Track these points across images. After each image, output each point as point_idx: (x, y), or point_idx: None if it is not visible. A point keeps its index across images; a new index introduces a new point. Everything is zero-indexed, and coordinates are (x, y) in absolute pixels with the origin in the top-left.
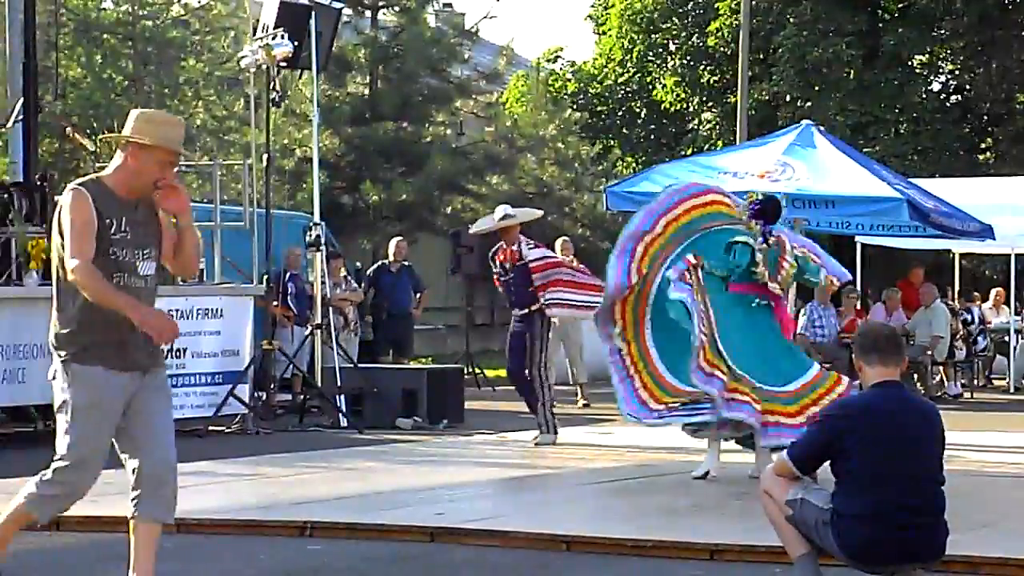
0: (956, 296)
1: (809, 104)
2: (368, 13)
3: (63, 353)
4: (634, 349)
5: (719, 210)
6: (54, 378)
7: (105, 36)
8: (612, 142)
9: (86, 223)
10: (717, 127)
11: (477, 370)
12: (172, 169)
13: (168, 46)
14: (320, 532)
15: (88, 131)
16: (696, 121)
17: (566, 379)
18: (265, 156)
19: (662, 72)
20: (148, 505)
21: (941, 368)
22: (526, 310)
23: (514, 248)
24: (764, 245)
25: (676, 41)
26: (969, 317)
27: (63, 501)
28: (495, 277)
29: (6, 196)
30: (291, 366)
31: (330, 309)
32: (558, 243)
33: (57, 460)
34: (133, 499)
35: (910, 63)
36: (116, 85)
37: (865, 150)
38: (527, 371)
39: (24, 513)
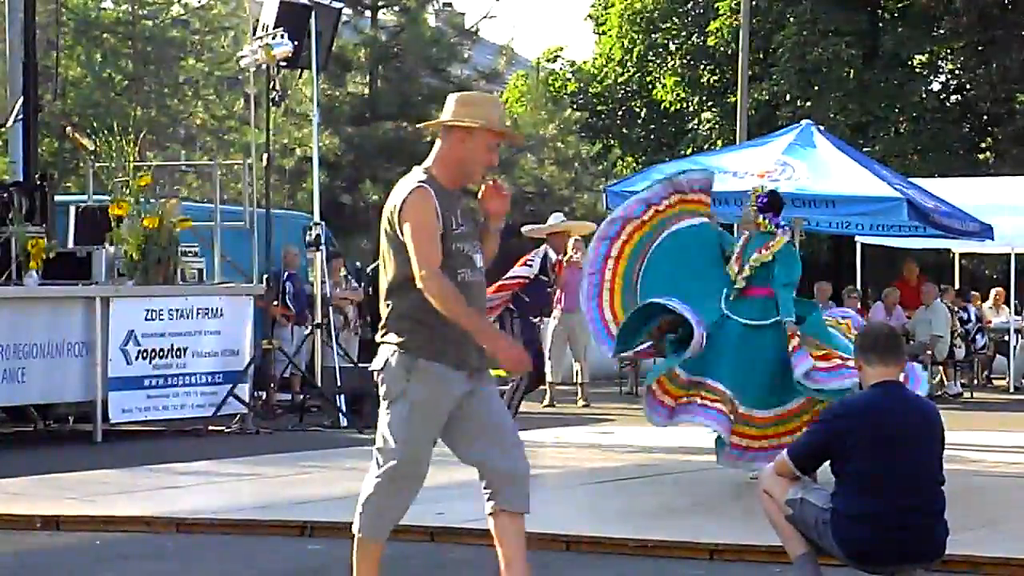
0: (954, 295)
1: (809, 104)
2: (368, 13)
3: (404, 345)
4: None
5: (684, 209)
6: (382, 369)
7: (105, 35)
8: (612, 142)
9: (432, 226)
10: (717, 127)
11: None
12: (497, 152)
13: (168, 45)
14: (320, 532)
15: (88, 130)
16: (696, 121)
17: (569, 378)
18: (265, 156)
19: (662, 72)
20: (508, 496)
21: (941, 367)
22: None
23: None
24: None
25: (676, 41)
26: (966, 316)
27: (395, 508)
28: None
29: (6, 196)
30: (291, 365)
31: (330, 308)
32: (570, 242)
33: (383, 461)
34: (490, 496)
35: (910, 63)
36: (116, 84)
37: (865, 150)
38: None
39: (372, 544)
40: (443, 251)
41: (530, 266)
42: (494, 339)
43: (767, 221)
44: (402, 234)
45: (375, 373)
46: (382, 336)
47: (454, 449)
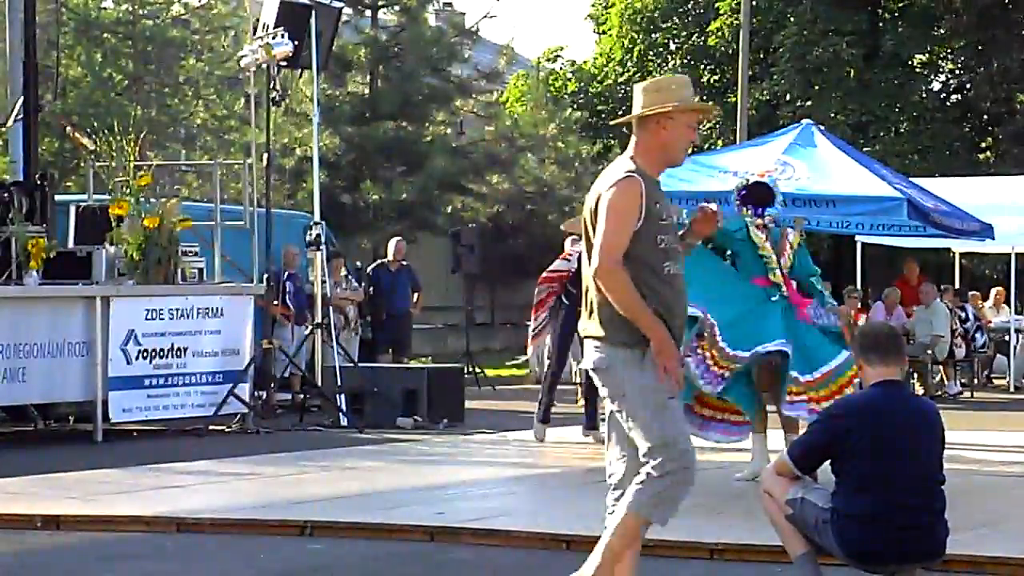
0: (953, 295)
1: (809, 103)
2: (368, 12)
3: (624, 338)
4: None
5: None
6: (606, 370)
7: (105, 35)
8: (612, 141)
9: (631, 218)
10: (717, 126)
11: (477, 369)
12: (697, 129)
13: (168, 45)
14: (320, 531)
15: (88, 130)
16: None
17: (569, 378)
18: (265, 155)
19: (662, 71)
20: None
21: (941, 367)
22: None
23: None
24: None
25: (676, 40)
26: (964, 315)
27: (681, 492)
28: None
29: (6, 195)
30: (291, 365)
31: (330, 308)
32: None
33: (658, 455)
34: (622, 496)
35: (910, 62)
36: (116, 84)
37: (865, 149)
38: None
39: (639, 520)
40: (650, 242)
41: (568, 260)
42: (662, 341)
43: (750, 212)
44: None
45: (592, 372)
46: (598, 330)
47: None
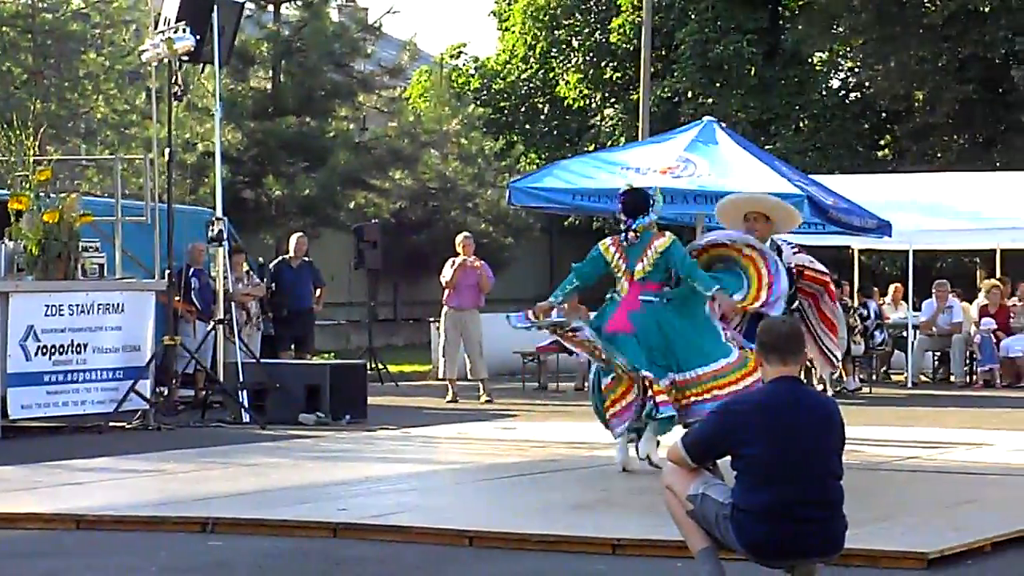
0: (855, 292)
1: (711, 100)
2: (271, 7)
3: None
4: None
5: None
6: None
7: (4, 28)
8: (515, 138)
9: None
10: (620, 123)
11: (380, 365)
12: None
13: (68, 39)
14: (222, 528)
15: None
16: (599, 117)
17: (465, 375)
18: (167, 150)
19: (565, 68)
20: None
21: (840, 363)
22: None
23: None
24: (624, 242)
25: (579, 37)
26: (865, 312)
27: None
28: None
29: None
30: (193, 362)
31: (232, 304)
32: (459, 238)
33: None
34: None
35: (810, 60)
36: (15, 78)
37: (766, 147)
38: None
39: None
40: None
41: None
42: None
43: (624, 221)
44: None
45: None
46: None
47: None
